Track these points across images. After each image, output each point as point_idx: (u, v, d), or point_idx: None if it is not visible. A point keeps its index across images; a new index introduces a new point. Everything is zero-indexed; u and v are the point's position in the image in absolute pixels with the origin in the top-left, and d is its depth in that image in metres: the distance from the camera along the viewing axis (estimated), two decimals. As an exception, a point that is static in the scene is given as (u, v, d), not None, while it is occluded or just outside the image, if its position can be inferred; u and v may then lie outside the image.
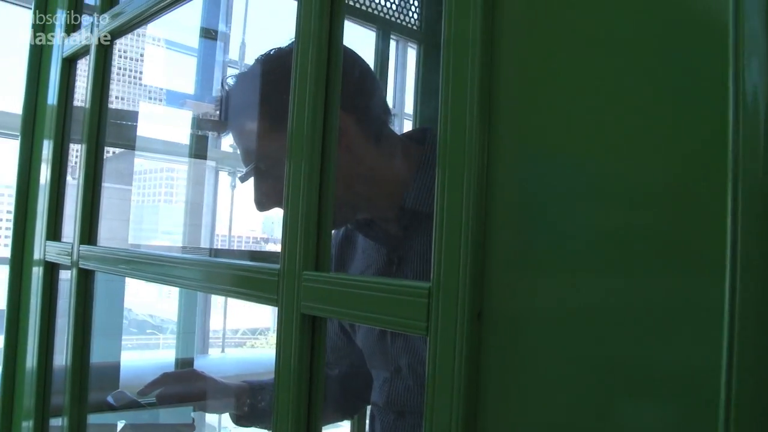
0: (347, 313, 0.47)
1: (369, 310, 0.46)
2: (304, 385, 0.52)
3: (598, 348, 0.36)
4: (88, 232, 0.90)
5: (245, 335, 5.88)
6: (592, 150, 0.37)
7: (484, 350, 0.40)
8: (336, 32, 0.53)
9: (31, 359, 1.08)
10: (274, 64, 0.97)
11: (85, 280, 0.91)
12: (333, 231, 1.18)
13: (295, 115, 0.53)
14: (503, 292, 0.40)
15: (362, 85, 0.97)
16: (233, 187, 3.99)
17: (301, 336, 0.51)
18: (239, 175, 1.01)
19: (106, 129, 0.91)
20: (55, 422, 1.05)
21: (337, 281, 0.48)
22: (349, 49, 1.01)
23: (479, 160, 0.41)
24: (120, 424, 1.17)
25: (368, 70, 1.02)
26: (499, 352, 0.40)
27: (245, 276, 0.56)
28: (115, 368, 1.39)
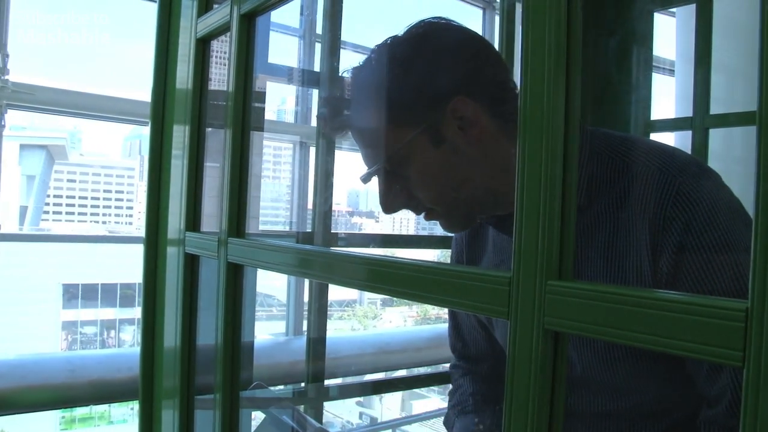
0: (619, 333, 0.40)
1: (654, 332, 0.38)
2: (545, 407, 0.45)
3: None
4: (237, 223, 0.86)
5: (332, 308, 5.94)
6: None
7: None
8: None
9: (174, 341, 1.06)
10: (399, 53, 0.88)
11: (234, 275, 0.87)
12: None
13: (528, 97, 0.46)
14: None
15: (493, 68, 0.89)
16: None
17: (543, 353, 0.45)
18: (360, 175, 0.94)
19: (251, 113, 0.87)
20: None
21: (603, 296, 0.41)
22: (473, 31, 0.93)
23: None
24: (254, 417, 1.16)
25: (496, 52, 0.93)
26: None
27: (465, 284, 0.50)
28: (249, 347, 1.40)
